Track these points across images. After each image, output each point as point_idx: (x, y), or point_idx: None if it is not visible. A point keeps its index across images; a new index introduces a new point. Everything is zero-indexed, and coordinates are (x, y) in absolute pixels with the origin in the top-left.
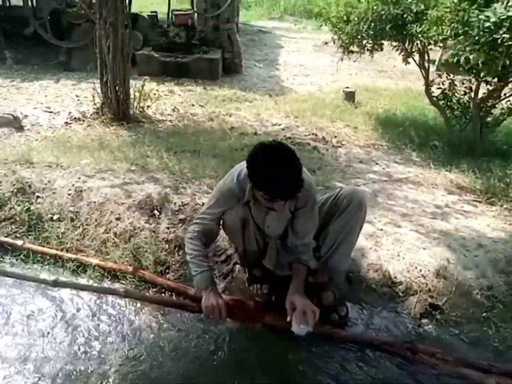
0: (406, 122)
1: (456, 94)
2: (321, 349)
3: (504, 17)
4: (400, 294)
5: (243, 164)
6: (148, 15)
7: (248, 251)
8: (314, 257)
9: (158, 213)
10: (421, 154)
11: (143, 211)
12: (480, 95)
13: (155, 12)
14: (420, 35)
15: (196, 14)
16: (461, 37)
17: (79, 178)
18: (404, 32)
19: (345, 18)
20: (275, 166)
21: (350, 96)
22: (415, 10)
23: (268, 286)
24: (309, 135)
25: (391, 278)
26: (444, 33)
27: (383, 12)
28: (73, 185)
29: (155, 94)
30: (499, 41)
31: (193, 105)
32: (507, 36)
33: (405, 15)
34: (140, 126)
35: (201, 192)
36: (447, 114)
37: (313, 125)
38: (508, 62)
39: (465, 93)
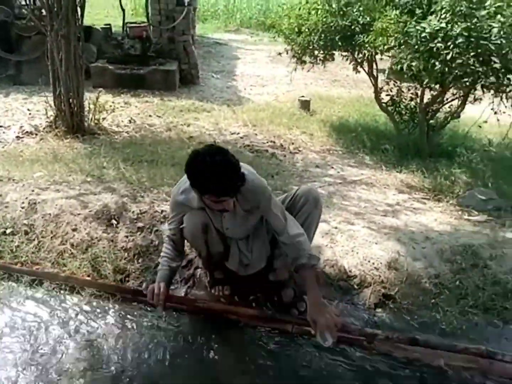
0: (359, 128)
1: (404, 100)
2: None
3: (438, 28)
4: (355, 286)
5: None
6: (102, 28)
7: (213, 253)
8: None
9: (115, 222)
10: (373, 157)
11: (100, 221)
12: (425, 101)
13: (109, 24)
14: (367, 45)
15: (151, 26)
16: (403, 46)
17: (33, 191)
18: (353, 43)
19: (296, 29)
20: (212, 166)
21: (305, 104)
22: (361, 22)
23: (229, 287)
24: (267, 142)
25: (346, 272)
26: (389, 43)
27: (332, 24)
28: (26, 198)
29: (110, 106)
30: (435, 49)
31: (150, 116)
32: (441, 45)
33: (353, 27)
34: (96, 138)
35: (159, 200)
36: (396, 119)
37: (271, 133)
38: (446, 69)
39: (411, 99)
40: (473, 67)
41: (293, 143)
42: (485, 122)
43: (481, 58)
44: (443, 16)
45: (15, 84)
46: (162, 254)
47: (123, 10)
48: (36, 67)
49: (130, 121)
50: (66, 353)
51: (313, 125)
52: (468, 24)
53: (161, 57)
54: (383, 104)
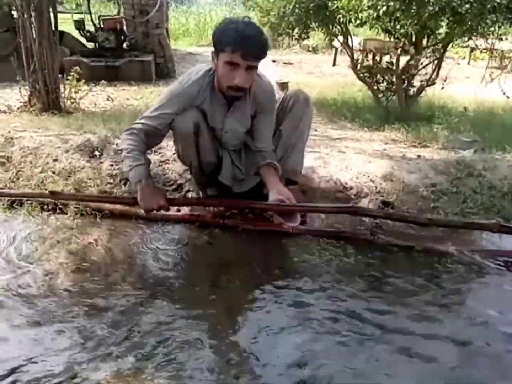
0: (338, 103)
1: (380, 65)
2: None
3: None
4: (353, 197)
5: (199, 66)
6: (74, 21)
7: (204, 163)
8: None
9: (99, 154)
10: (355, 124)
11: (83, 152)
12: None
13: (81, 18)
14: (341, 10)
15: (124, 20)
16: None
17: (9, 132)
18: (327, 14)
19: (271, 0)
20: (242, 24)
21: (283, 86)
22: None
23: None
24: None
25: (342, 184)
26: (362, 5)
27: None
28: (2, 135)
29: (88, 88)
30: None
31: (128, 99)
32: None
33: None
34: (73, 115)
35: None
36: (374, 88)
37: None
38: (421, 7)
39: (387, 68)
40: None
41: None
42: None
43: None
44: None
45: None
46: (128, 147)
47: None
48: (7, 65)
49: (108, 99)
50: (51, 260)
51: None
52: None
53: (136, 51)
54: (361, 75)
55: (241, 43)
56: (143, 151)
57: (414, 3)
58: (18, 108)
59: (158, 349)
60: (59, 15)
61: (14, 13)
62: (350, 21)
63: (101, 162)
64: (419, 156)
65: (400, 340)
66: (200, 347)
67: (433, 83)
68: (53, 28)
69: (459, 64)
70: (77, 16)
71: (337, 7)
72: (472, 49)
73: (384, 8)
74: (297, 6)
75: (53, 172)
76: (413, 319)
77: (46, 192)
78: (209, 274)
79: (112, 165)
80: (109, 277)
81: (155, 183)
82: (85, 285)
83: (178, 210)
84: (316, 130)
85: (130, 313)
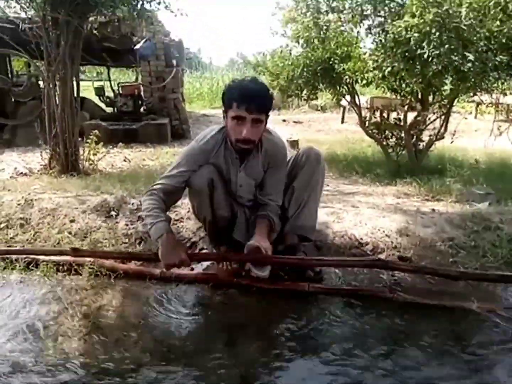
0: (349, 157)
1: (388, 122)
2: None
3: (412, 24)
4: (369, 252)
5: (213, 126)
6: (95, 88)
7: (218, 217)
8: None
9: (115, 214)
10: (366, 179)
11: (99, 213)
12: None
13: (102, 85)
14: (347, 72)
15: (141, 86)
16: (382, 54)
17: (29, 194)
18: (333, 76)
19: (281, 64)
20: (246, 81)
21: (293, 144)
22: (339, 53)
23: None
24: None
25: (358, 240)
26: (367, 66)
27: (312, 58)
28: (22, 197)
29: (106, 150)
30: (412, 46)
31: (144, 159)
32: (417, 39)
33: (332, 58)
34: (91, 177)
35: None
36: (383, 144)
37: None
38: (425, 66)
39: (395, 124)
40: (449, 58)
41: None
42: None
43: (455, 53)
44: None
45: (10, 147)
46: (148, 206)
47: (108, 69)
48: (31, 131)
49: (124, 160)
50: (63, 324)
51: None
52: (439, 10)
53: (153, 114)
54: (369, 131)
55: (246, 97)
56: (163, 209)
57: (417, 63)
58: (38, 171)
59: None
60: (81, 83)
61: (40, 83)
62: (356, 81)
63: (117, 222)
64: (433, 210)
65: None
66: None
67: (442, 137)
68: (75, 95)
69: (466, 118)
70: (97, 84)
71: (344, 69)
72: (478, 104)
73: (389, 68)
74: (305, 69)
75: (70, 233)
76: None
77: (68, 249)
78: (223, 337)
79: (127, 225)
80: (121, 341)
81: (175, 237)
82: (96, 349)
83: (192, 269)
84: (328, 186)
85: (142, 380)
